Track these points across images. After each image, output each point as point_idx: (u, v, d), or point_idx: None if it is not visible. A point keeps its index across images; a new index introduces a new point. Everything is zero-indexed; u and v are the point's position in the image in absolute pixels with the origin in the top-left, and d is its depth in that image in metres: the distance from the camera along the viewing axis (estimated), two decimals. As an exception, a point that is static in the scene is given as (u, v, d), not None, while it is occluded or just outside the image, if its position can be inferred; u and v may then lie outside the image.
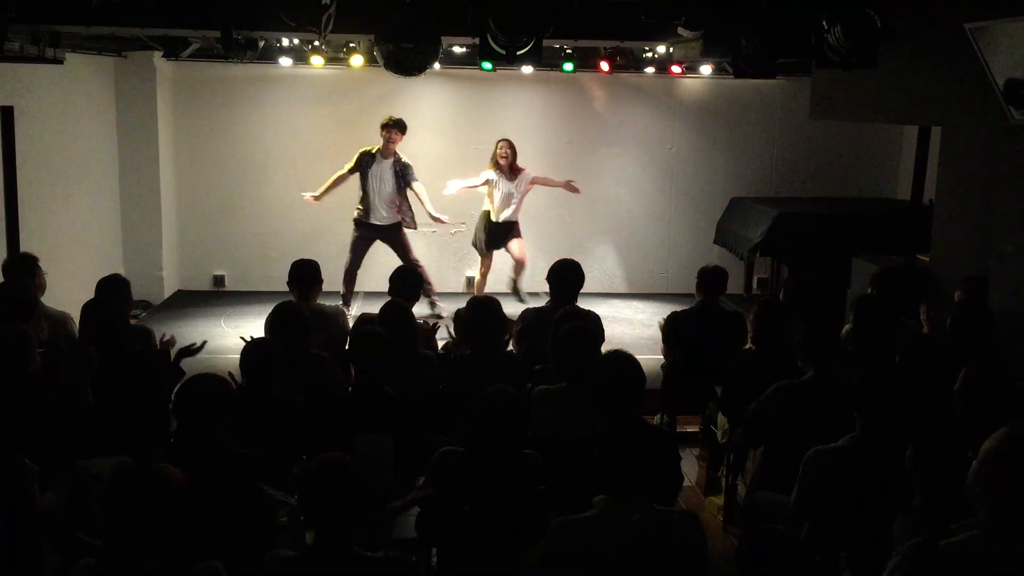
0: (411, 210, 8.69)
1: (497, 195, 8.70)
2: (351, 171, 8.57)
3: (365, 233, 8.68)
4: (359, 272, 8.77)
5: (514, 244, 8.89)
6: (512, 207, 8.75)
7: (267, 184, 9.99)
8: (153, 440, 4.14)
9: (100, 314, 4.71)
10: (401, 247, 8.67)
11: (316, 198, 8.63)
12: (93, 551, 3.09)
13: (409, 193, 8.62)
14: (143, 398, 4.47)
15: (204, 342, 5.18)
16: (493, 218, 8.77)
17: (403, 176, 8.55)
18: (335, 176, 8.59)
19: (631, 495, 2.98)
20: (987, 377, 3.73)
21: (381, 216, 8.60)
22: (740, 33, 5.35)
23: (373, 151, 8.57)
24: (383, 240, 8.72)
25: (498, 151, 8.64)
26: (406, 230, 8.73)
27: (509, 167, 8.65)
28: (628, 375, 3.83)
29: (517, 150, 8.72)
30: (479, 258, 9.16)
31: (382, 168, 8.53)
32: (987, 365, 3.85)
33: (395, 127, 8.49)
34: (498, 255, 9.08)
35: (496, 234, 8.84)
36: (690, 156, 10.32)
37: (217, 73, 9.70)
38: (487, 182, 8.71)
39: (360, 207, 8.62)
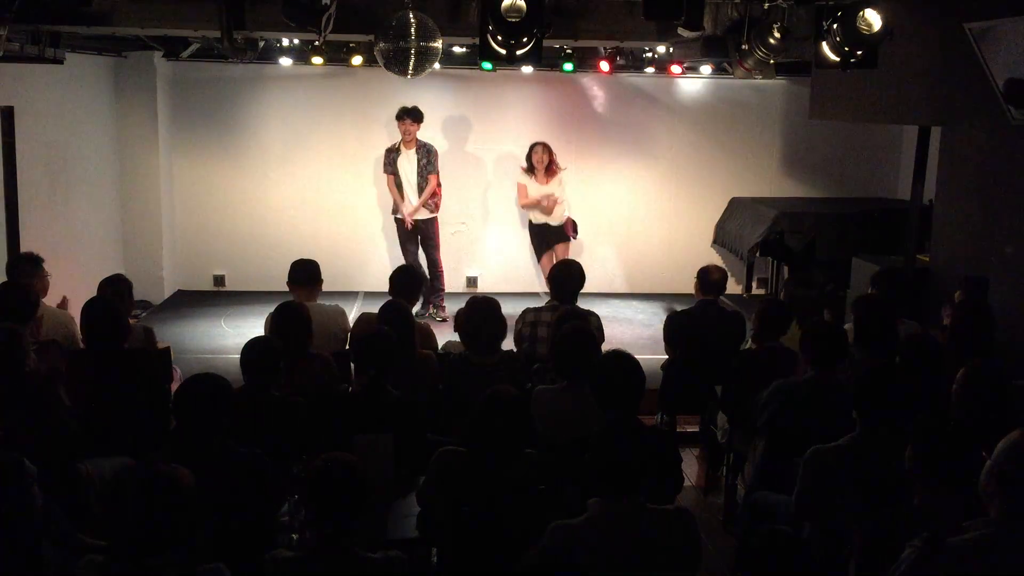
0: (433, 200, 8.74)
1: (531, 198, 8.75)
2: (389, 172, 8.70)
3: (403, 227, 8.77)
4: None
5: (559, 250, 8.81)
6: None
7: (267, 184, 9.99)
8: (153, 440, 4.14)
9: (100, 313, 4.71)
10: (428, 240, 8.79)
11: (411, 215, 8.63)
12: (94, 551, 3.09)
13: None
14: (143, 398, 4.47)
15: None
16: (533, 220, 8.85)
17: (427, 160, 8.67)
18: (390, 184, 8.71)
19: (624, 496, 2.98)
20: (986, 377, 3.73)
21: (412, 207, 8.67)
22: (740, 33, 5.35)
23: (396, 146, 8.72)
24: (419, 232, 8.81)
25: (535, 156, 8.67)
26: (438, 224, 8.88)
27: (545, 170, 8.68)
28: (628, 375, 3.84)
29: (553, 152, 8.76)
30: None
31: (408, 158, 8.66)
32: (986, 365, 3.85)
33: (407, 116, 8.61)
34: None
35: (543, 236, 8.86)
36: (690, 156, 10.32)
37: (217, 73, 9.70)
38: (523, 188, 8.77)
39: (392, 204, 8.76)
